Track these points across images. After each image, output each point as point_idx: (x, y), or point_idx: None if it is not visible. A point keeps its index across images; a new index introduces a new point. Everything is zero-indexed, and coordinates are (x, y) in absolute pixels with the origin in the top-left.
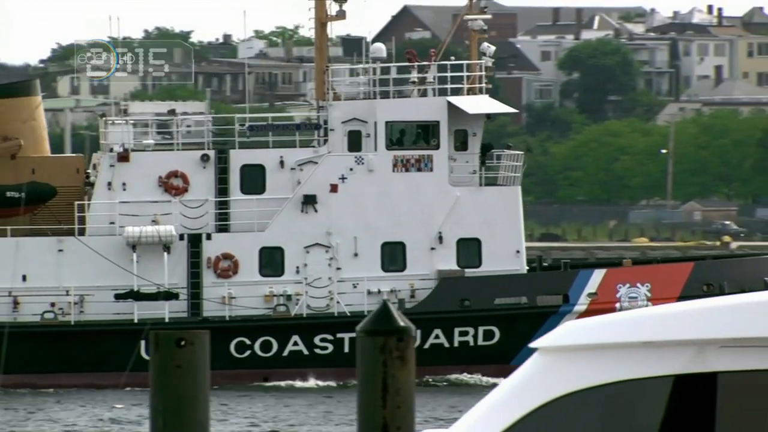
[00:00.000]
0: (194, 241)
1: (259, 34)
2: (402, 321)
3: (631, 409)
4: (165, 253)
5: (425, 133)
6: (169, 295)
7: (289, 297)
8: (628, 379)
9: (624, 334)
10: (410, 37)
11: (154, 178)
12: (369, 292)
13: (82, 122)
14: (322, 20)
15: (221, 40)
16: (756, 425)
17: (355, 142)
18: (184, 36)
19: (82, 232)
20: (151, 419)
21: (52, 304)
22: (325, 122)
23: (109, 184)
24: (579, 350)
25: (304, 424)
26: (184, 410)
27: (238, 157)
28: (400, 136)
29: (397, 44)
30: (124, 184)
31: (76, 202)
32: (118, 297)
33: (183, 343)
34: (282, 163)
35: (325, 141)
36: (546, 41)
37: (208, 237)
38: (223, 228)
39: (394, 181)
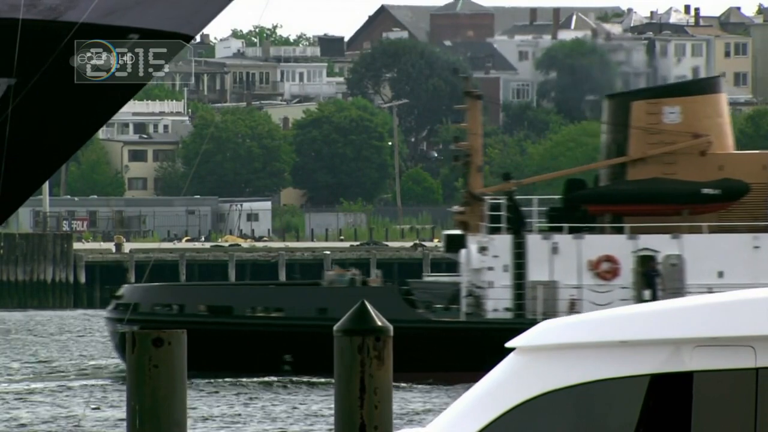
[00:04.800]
0: None
1: (236, 34)
2: (380, 321)
3: (607, 409)
4: None
5: None
6: None
7: None
8: (604, 379)
9: (600, 334)
10: (387, 37)
11: None
12: None
13: None
14: None
15: (198, 40)
16: (732, 425)
17: None
18: None
19: None
20: (127, 419)
21: None
22: None
23: None
24: (555, 349)
25: None
26: (161, 410)
27: None
28: None
29: (374, 44)
30: None
31: None
32: None
33: (160, 342)
34: None
35: None
36: (523, 41)
37: None
38: None
39: None
